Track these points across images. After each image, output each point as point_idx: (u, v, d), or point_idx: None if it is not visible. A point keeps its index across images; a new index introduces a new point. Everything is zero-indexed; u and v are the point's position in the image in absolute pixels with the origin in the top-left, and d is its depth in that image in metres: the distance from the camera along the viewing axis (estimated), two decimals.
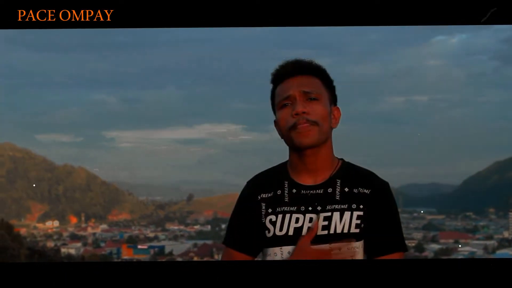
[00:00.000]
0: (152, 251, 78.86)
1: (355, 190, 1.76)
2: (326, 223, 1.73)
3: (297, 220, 1.75)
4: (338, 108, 1.86)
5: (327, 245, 1.70)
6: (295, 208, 1.76)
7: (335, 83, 1.86)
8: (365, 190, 1.76)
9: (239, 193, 1.87)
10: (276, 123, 1.81)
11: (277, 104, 1.78)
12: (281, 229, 1.75)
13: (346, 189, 1.76)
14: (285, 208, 1.76)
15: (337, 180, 1.78)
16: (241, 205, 1.85)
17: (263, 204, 1.79)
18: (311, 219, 1.74)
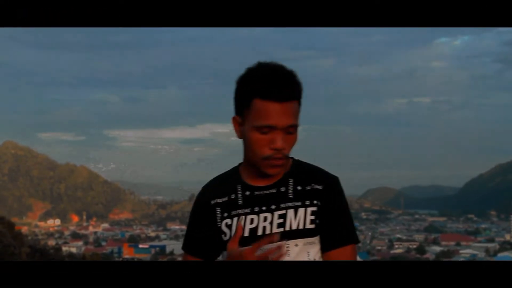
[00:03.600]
0: (153, 251, 78.96)
1: (308, 187, 1.78)
2: (281, 220, 1.74)
3: (252, 221, 1.76)
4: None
5: (250, 246, 1.71)
6: (249, 209, 1.78)
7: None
8: (317, 186, 1.78)
9: None
10: (236, 121, 1.79)
11: (255, 123, 1.73)
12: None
13: (299, 187, 1.78)
14: (240, 211, 1.78)
15: (290, 179, 1.79)
16: (197, 211, 1.87)
17: (218, 209, 1.81)
18: (265, 218, 1.76)
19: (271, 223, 1.73)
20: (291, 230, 1.71)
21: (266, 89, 1.68)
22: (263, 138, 1.70)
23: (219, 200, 1.81)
